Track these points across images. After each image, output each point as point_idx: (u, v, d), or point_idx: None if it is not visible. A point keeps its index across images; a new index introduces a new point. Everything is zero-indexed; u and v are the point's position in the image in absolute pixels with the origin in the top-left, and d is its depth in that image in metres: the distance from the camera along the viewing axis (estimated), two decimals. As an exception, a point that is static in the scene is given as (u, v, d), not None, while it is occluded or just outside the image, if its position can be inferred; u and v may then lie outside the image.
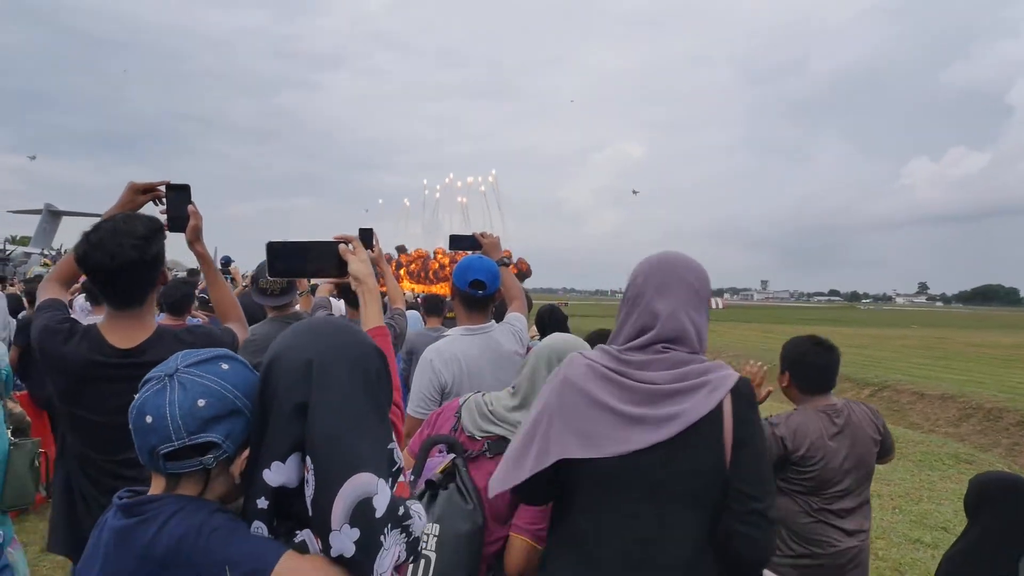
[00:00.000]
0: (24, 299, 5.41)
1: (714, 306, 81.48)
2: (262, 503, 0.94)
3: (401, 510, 0.93)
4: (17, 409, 4.29)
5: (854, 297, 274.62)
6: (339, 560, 0.89)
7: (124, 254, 1.68)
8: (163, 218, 1.98)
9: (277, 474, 0.92)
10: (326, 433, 0.91)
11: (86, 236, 1.72)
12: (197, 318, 4.64)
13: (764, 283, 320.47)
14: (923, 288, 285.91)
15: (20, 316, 5.12)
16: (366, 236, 3.22)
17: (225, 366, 1.02)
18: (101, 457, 1.82)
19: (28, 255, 50.00)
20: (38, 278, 6.13)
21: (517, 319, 2.68)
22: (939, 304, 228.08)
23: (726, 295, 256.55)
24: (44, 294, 1.94)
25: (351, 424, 0.92)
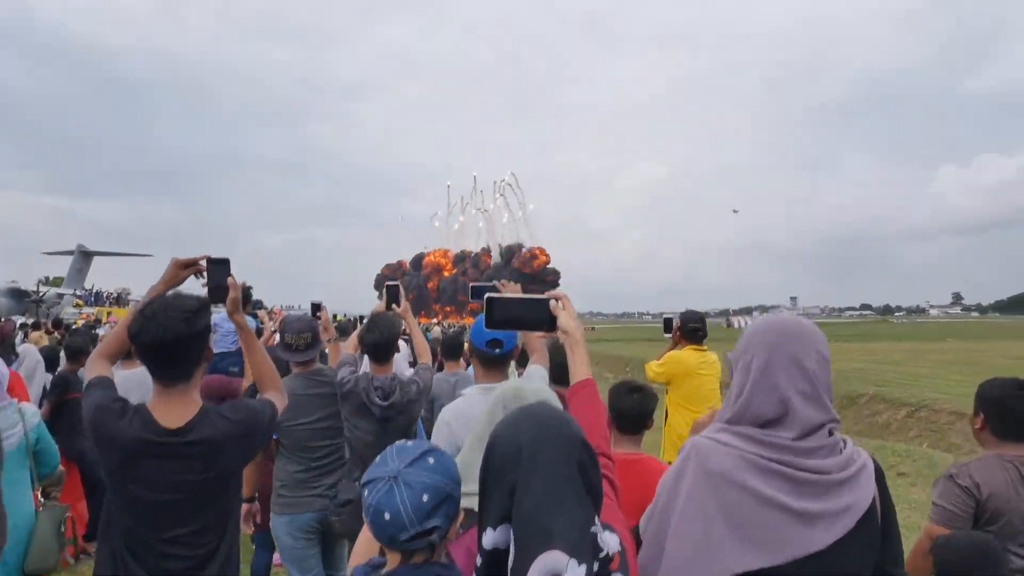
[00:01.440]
0: (63, 353, 5.47)
1: (744, 325, 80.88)
2: (478, 561, 1.11)
3: None
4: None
5: (887, 310, 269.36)
6: None
7: (175, 327, 1.80)
8: (204, 290, 2.15)
9: (489, 538, 1.07)
10: (527, 511, 1.02)
11: (140, 311, 1.86)
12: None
13: (793, 299, 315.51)
14: (957, 298, 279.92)
15: (56, 371, 5.22)
16: (393, 292, 3.31)
17: (432, 460, 1.30)
18: (148, 534, 1.87)
19: (61, 296, 51.40)
20: (77, 332, 6.21)
21: (538, 372, 2.66)
22: (975, 314, 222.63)
23: (755, 312, 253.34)
24: (93, 371, 2.04)
25: (550, 505, 1.02)
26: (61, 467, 4.38)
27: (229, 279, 2.18)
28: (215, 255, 2.20)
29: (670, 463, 4.58)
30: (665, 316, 5.08)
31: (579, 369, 1.58)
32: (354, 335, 3.16)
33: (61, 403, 4.99)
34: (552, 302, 1.62)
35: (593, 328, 74.04)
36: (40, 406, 5.62)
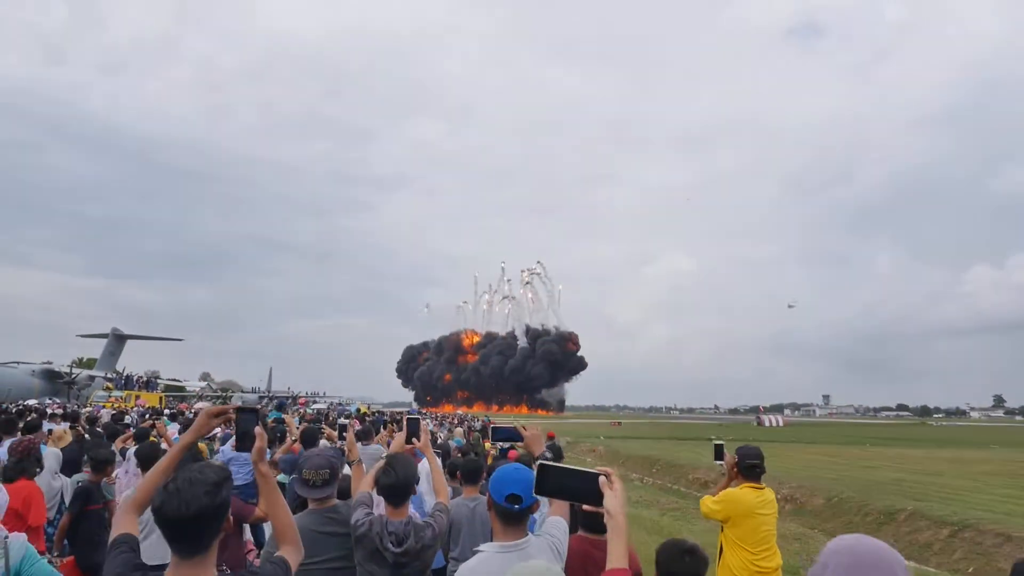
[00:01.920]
0: (88, 462, 5.45)
1: (775, 423, 78.16)
2: None
3: None
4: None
5: (924, 412, 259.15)
6: None
7: (198, 501, 1.81)
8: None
9: None
10: None
11: (164, 487, 1.87)
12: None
13: (826, 398, 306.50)
14: (999, 401, 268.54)
15: (78, 481, 5.22)
16: (414, 425, 3.33)
17: None
18: None
19: (92, 378, 52.33)
20: (101, 442, 6.16)
21: (557, 526, 2.61)
22: (1019, 418, 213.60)
23: (787, 410, 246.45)
24: (121, 525, 2.07)
25: None
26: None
27: (256, 428, 2.28)
28: (245, 405, 2.39)
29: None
30: (715, 442, 4.95)
31: (616, 557, 1.61)
32: (371, 475, 3.13)
33: (81, 514, 4.97)
34: (602, 478, 1.67)
35: (619, 423, 72.56)
36: (59, 512, 5.62)
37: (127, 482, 5.85)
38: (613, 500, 1.64)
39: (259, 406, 2.42)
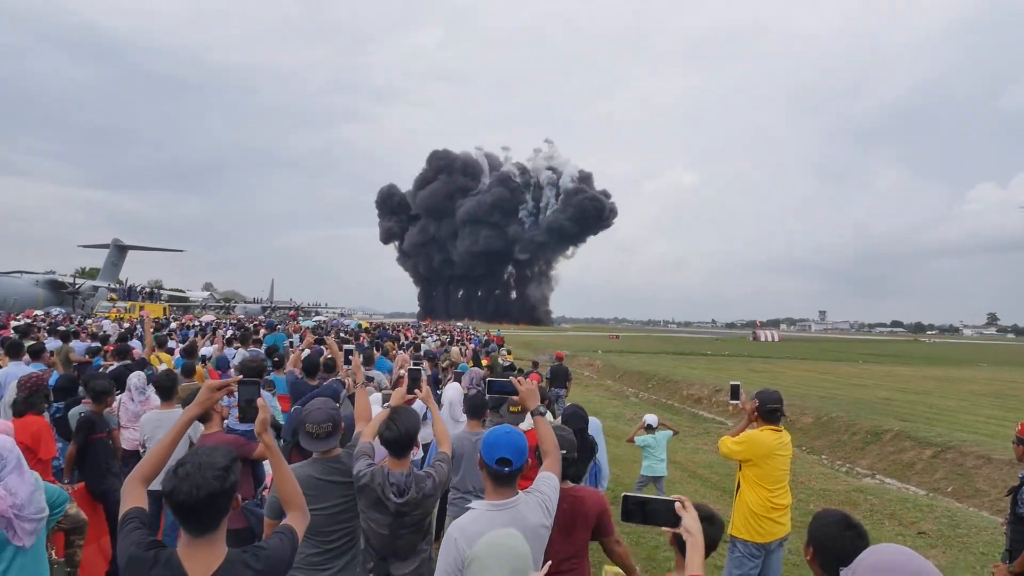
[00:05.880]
0: (84, 390, 5.55)
1: (770, 339, 78.75)
2: None
3: None
4: (72, 510, 4.47)
5: (918, 328, 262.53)
6: None
7: (208, 485, 1.88)
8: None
9: None
10: None
11: (174, 471, 1.92)
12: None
13: (822, 313, 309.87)
14: (992, 319, 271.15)
15: (80, 412, 5.33)
16: (415, 376, 3.37)
17: None
18: None
19: (96, 288, 52.69)
20: (97, 375, 6.21)
21: (547, 482, 2.69)
22: (1010, 336, 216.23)
23: (783, 325, 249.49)
24: (128, 499, 2.12)
25: None
26: (77, 509, 4.41)
27: (259, 400, 2.37)
28: (245, 378, 2.47)
29: (733, 536, 4.65)
30: (732, 383, 5.05)
31: (694, 565, 1.86)
32: (373, 426, 3.19)
33: (86, 443, 5.11)
34: (677, 504, 1.92)
35: (618, 337, 73.62)
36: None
37: (124, 412, 5.98)
38: (692, 520, 1.89)
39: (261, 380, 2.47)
